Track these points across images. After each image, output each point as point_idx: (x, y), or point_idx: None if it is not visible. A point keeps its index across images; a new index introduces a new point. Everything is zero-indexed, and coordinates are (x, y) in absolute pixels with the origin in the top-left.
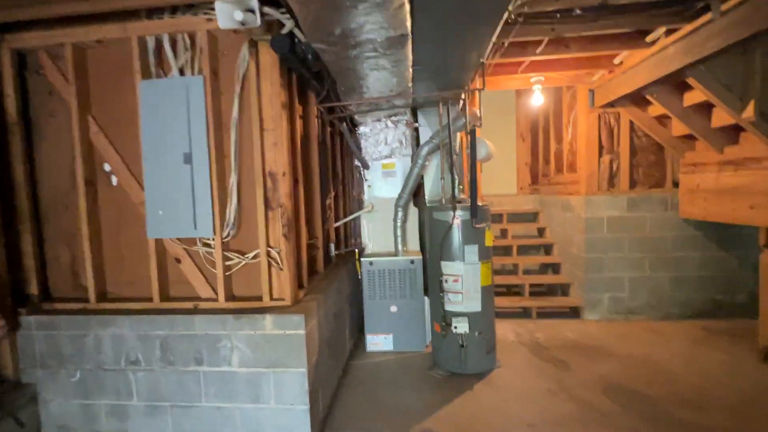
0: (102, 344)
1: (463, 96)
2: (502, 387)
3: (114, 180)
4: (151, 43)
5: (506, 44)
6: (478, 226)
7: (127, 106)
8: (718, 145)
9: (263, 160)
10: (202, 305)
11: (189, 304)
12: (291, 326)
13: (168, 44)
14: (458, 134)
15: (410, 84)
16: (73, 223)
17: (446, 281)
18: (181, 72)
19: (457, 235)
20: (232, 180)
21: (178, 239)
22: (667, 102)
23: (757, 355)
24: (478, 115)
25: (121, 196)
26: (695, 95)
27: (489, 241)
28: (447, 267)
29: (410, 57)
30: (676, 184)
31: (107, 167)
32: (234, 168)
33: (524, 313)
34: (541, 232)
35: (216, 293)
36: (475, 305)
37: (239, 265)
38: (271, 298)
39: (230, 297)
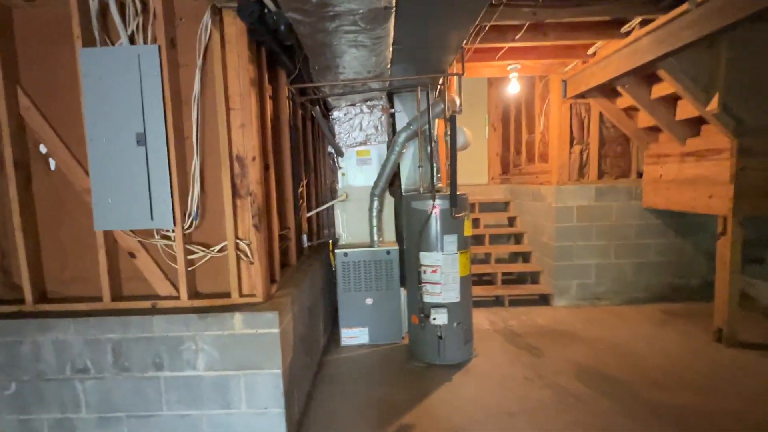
0: (42, 351)
1: (441, 81)
2: (480, 376)
3: (52, 164)
4: (93, 4)
5: (486, 27)
6: (457, 215)
7: (66, 78)
8: (681, 136)
9: (230, 142)
10: (162, 304)
11: (146, 304)
12: (264, 325)
13: (114, 6)
14: (436, 121)
15: (389, 65)
16: (3, 213)
17: (424, 272)
18: (132, 40)
19: (436, 225)
20: (194, 164)
21: (132, 231)
22: (636, 94)
23: (712, 335)
24: (457, 101)
25: (61, 182)
26: (662, 87)
27: (468, 231)
28: (425, 257)
29: (392, 34)
30: (640, 175)
31: (43, 149)
32: (196, 151)
33: (497, 302)
34: (511, 221)
35: (177, 290)
36: (453, 296)
37: (204, 260)
38: (241, 295)
39: (194, 294)
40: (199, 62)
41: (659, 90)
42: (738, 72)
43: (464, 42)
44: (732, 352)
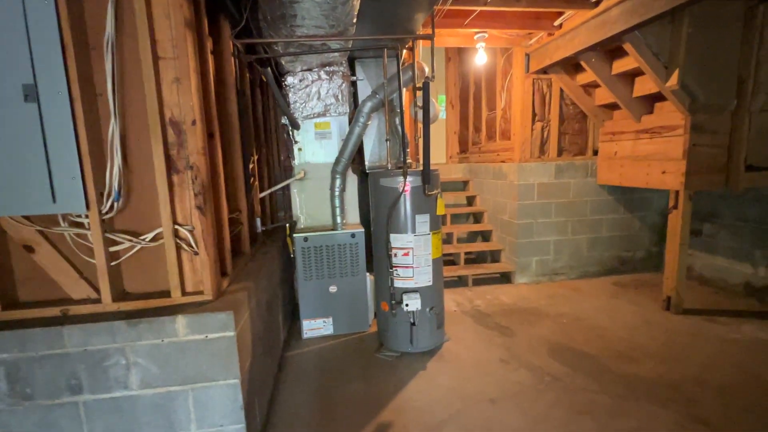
0: None
1: (410, 44)
2: (455, 362)
3: None
4: None
5: None
6: (430, 193)
7: None
8: (637, 113)
9: (161, 101)
10: (76, 310)
11: (53, 311)
12: (216, 328)
13: None
14: (403, 90)
15: (355, 20)
16: None
17: (395, 255)
18: None
19: (407, 204)
20: (112, 129)
21: (27, 217)
22: (599, 69)
23: (661, 304)
24: (425, 69)
25: None
26: (623, 63)
27: (441, 210)
28: (396, 240)
29: None
30: (595, 152)
31: None
32: (114, 112)
33: (460, 282)
34: (470, 200)
35: (98, 292)
36: (426, 279)
37: (132, 251)
38: (184, 293)
39: (121, 296)
40: None
41: (620, 66)
42: (695, 49)
43: None
44: (680, 319)
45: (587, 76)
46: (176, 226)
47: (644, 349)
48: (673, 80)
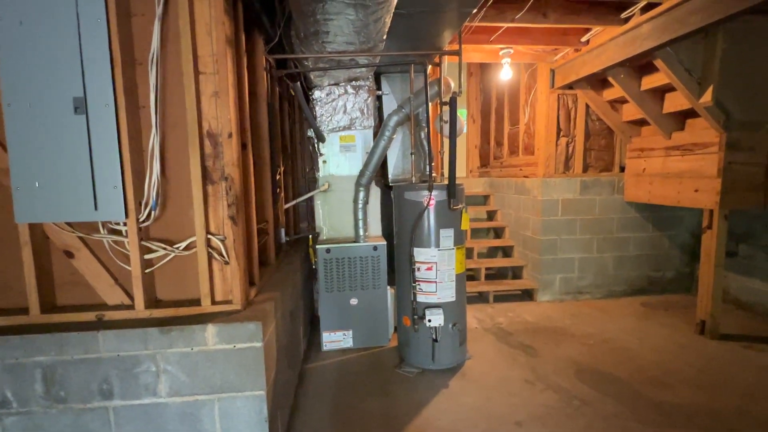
0: None
1: (437, 60)
2: (478, 381)
3: None
4: None
5: (490, 2)
6: (455, 207)
7: None
8: (667, 130)
9: (199, 114)
10: (111, 315)
11: (89, 315)
12: (244, 337)
13: None
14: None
15: (385, 37)
16: None
17: (418, 269)
18: None
19: (431, 218)
20: (153, 140)
21: (69, 224)
22: (627, 85)
23: (694, 327)
24: (451, 84)
25: None
26: (653, 79)
27: (465, 224)
28: (420, 254)
29: None
30: (622, 169)
31: None
32: (155, 123)
33: (481, 298)
34: (491, 215)
35: (131, 298)
36: (449, 295)
37: (166, 259)
38: (213, 302)
39: (153, 303)
40: (159, 11)
41: (650, 81)
42: (730, 64)
43: (474, 8)
44: (716, 345)
45: (615, 92)
46: (209, 236)
47: (679, 375)
48: (707, 96)
